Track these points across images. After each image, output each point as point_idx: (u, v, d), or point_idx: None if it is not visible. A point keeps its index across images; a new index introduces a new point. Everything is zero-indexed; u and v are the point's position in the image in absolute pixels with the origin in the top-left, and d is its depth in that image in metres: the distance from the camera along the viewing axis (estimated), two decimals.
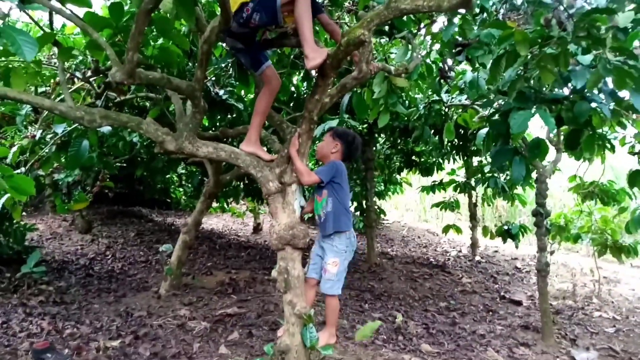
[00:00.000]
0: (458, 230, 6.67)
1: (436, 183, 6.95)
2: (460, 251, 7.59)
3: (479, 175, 6.09)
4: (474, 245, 7.07)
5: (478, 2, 2.53)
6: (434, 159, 6.80)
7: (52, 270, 4.59)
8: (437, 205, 6.99)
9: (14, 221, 4.43)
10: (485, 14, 2.69)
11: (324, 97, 2.30)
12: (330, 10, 3.27)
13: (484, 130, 3.18)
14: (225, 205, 8.56)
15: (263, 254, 6.22)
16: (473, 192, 6.77)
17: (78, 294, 3.93)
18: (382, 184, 8.48)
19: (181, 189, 9.31)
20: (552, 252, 4.07)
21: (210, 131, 4.09)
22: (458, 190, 6.60)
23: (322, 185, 2.52)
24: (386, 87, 2.98)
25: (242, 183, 6.51)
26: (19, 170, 3.35)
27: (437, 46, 3.34)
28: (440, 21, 2.98)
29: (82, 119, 2.20)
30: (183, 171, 7.72)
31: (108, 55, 2.13)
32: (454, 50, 2.79)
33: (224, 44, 3.27)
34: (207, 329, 3.23)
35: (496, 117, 2.90)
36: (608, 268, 6.49)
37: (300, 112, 2.70)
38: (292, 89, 4.18)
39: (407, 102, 4.43)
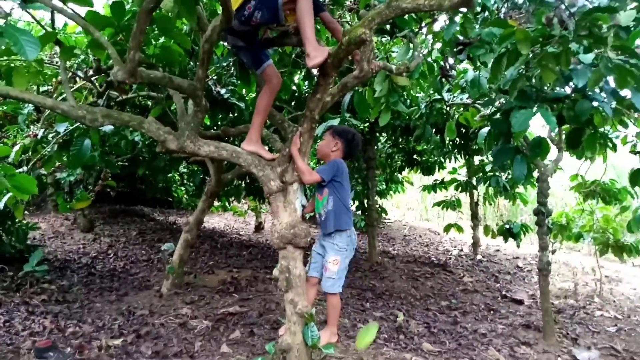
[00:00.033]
0: (459, 229, 6.67)
1: (437, 182, 6.94)
2: (461, 250, 7.58)
3: (481, 174, 6.08)
4: (475, 244, 7.07)
5: (479, 0, 2.53)
6: (436, 158, 6.80)
7: (55, 269, 4.60)
8: (438, 204, 6.99)
9: (17, 220, 4.44)
10: (486, 13, 2.69)
11: (325, 96, 2.30)
12: (332, 9, 3.27)
13: (486, 129, 3.18)
14: (227, 204, 8.56)
15: (265, 252, 6.23)
16: (474, 191, 6.76)
17: (80, 293, 3.94)
18: (383, 183, 8.48)
19: (183, 188, 9.32)
20: (553, 251, 4.07)
21: (212, 130, 4.09)
22: (459, 189, 6.59)
23: (323, 184, 2.52)
24: (387, 85, 2.98)
25: (243, 182, 6.52)
26: (21, 169, 3.36)
27: (438, 45, 3.34)
28: (442, 20, 2.98)
29: (84, 118, 2.20)
30: (185, 170, 7.73)
31: (110, 54, 2.14)
32: (455, 49, 2.79)
33: (225, 43, 3.28)
34: (209, 327, 3.24)
35: (497, 116, 2.90)
36: (610, 267, 6.48)
37: (302, 111, 2.71)
38: (294, 87, 4.18)
39: (408, 101, 4.43)
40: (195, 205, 5.33)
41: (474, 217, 6.93)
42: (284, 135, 2.59)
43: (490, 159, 5.10)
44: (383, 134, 6.38)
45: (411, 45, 2.87)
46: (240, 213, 8.88)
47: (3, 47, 2.10)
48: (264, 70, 2.47)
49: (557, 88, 2.71)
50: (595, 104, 2.47)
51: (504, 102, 2.86)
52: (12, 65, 2.54)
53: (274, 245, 2.34)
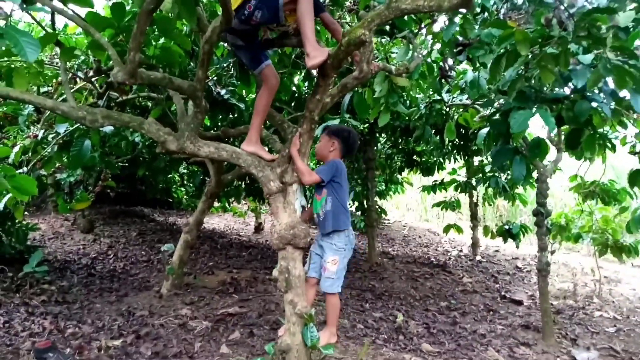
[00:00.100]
0: (459, 229, 6.68)
1: (437, 183, 6.95)
2: (461, 251, 7.59)
3: (480, 174, 6.09)
4: (474, 244, 7.07)
5: (479, 1, 2.53)
6: (435, 159, 6.80)
7: (54, 269, 4.60)
8: (438, 204, 6.99)
9: (16, 221, 4.44)
10: (486, 14, 2.69)
11: (324, 97, 2.30)
12: (332, 9, 3.27)
13: (485, 130, 3.18)
14: (227, 205, 8.58)
15: (264, 253, 6.23)
16: (474, 191, 6.77)
17: (80, 294, 3.94)
18: (383, 183, 8.48)
19: (183, 189, 9.32)
20: (552, 252, 4.07)
21: (212, 131, 4.10)
22: (459, 190, 6.60)
23: (322, 185, 2.53)
24: (387, 86, 2.98)
25: (243, 183, 6.52)
26: (21, 170, 3.37)
27: (438, 46, 3.34)
28: (441, 21, 2.98)
29: (84, 119, 2.21)
30: (185, 171, 7.74)
31: (110, 55, 2.14)
32: (454, 50, 2.79)
33: (225, 44, 3.28)
34: (209, 328, 3.24)
35: (497, 116, 2.91)
36: (609, 268, 6.49)
37: (302, 112, 2.71)
38: (294, 88, 4.18)
39: (408, 101, 4.44)
40: (195, 206, 5.33)
41: (474, 217, 6.94)
42: (283, 136, 2.59)
43: (490, 159, 5.10)
44: (382, 135, 6.39)
45: (411, 46, 2.87)
46: (240, 214, 8.88)
47: (3, 49, 2.10)
48: (261, 70, 2.47)
49: (556, 89, 2.71)
50: (594, 104, 2.48)
51: (503, 102, 2.87)
52: (13, 66, 2.55)
53: (274, 246, 2.34)
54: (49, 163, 3.57)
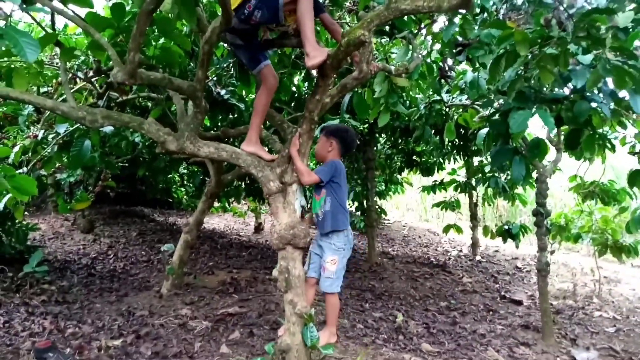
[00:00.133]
0: (459, 230, 6.68)
1: (437, 183, 6.96)
2: (460, 251, 7.59)
3: (480, 175, 6.09)
4: (474, 244, 7.07)
5: (478, 2, 2.54)
6: (435, 159, 6.81)
7: (54, 269, 4.61)
8: (437, 205, 6.99)
9: (16, 221, 4.44)
10: (485, 14, 2.69)
11: (324, 97, 2.31)
12: (331, 10, 3.28)
13: (485, 130, 3.19)
14: (227, 205, 8.58)
15: (264, 253, 6.23)
16: (474, 191, 6.78)
17: (80, 294, 3.95)
18: (382, 183, 8.48)
19: (183, 189, 9.32)
20: (552, 252, 4.07)
21: (212, 131, 4.10)
22: (459, 190, 6.61)
23: (321, 185, 2.53)
24: (387, 86, 2.98)
25: (243, 183, 6.52)
26: (21, 170, 3.37)
27: (437, 46, 3.34)
28: (441, 21, 2.99)
29: (84, 119, 2.21)
30: (185, 171, 7.74)
31: (110, 55, 2.14)
32: (454, 50, 2.79)
33: (225, 44, 3.28)
34: (209, 328, 3.24)
35: (496, 117, 2.91)
36: (608, 268, 6.49)
37: (301, 112, 2.71)
38: (293, 89, 4.18)
39: (407, 101, 4.44)
40: (195, 206, 5.34)
41: (473, 217, 6.94)
42: (283, 137, 2.60)
43: (489, 159, 5.10)
44: (382, 135, 6.39)
45: (410, 47, 2.88)
46: (240, 214, 8.88)
47: (3, 49, 2.11)
48: (260, 70, 2.48)
49: (556, 89, 2.71)
50: (593, 105, 2.48)
51: (503, 103, 2.87)
52: (13, 66, 2.55)
53: (274, 246, 2.34)
54: (49, 163, 3.58)
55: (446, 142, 5.54)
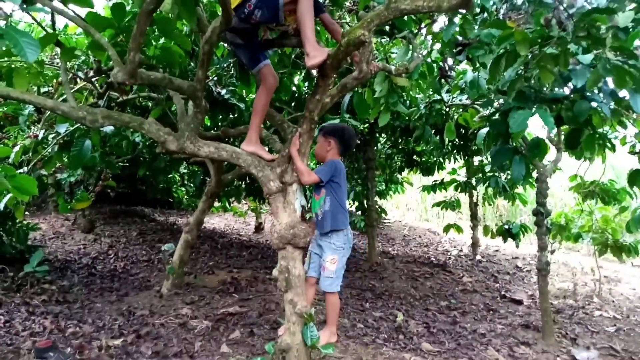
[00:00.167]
0: (459, 229, 6.68)
1: (437, 182, 6.95)
2: (461, 250, 7.59)
3: (480, 174, 6.09)
4: (474, 244, 7.07)
5: (478, 1, 2.54)
6: (435, 159, 6.80)
7: (55, 269, 4.61)
8: (438, 204, 6.99)
9: (17, 221, 4.45)
10: (485, 14, 2.69)
11: (324, 97, 2.31)
12: (331, 9, 3.28)
13: (485, 130, 3.19)
14: (227, 205, 8.58)
15: (264, 253, 6.23)
16: (474, 191, 6.77)
17: (80, 293, 3.95)
18: (383, 183, 8.48)
19: (183, 189, 9.33)
20: (552, 252, 4.07)
21: (212, 131, 4.10)
22: (459, 190, 6.61)
23: (321, 185, 2.53)
24: (387, 86, 2.98)
25: (243, 182, 6.53)
26: (21, 170, 3.37)
27: (437, 46, 3.34)
28: (441, 21, 2.99)
29: (85, 119, 2.21)
30: (185, 171, 7.74)
31: (110, 55, 2.14)
32: (454, 50, 2.80)
33: (226, 44, 3.29)
34: (209, 327, 3.24)
35: (496, 116, 2.91)
36: (609, 267, 6.49)
37: (302, 112, 2.72)
38: (294, 88, 4.19)
39: (407, 101, 4.44)
40: (196, 206, 5.34)
41: (474, 217, 6.94)
42: (283, 136, 2.60)
43: (489, 159, 5.10)
44: (382, 135, 6.39)
45: (410, 46, 2.88)
46: (240, 213, 8.89)
47: (4, 49, 2.11)
48: (260, 69, 2.48)
49: (556, 89, 2.72)
50: (593, 104, 2.48)
51: (503, 102, 2.87)
52: (13, 66, 2.55)
53: (274, 246, 2.35)
54: (49, 163, 3.58)
55: (446, 142, 5.54)
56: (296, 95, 4.33)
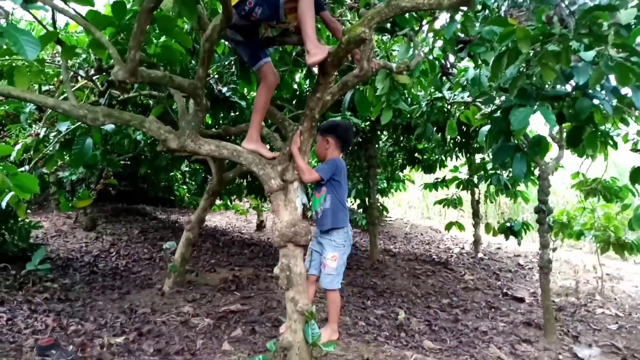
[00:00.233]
0: (461, 227, 6.67)
1: (439, 180, 6.94)
2: (462, 248, 7.59)
3: (482, 172, 6.08)
4: (476, 242, 7.07)
5: None
6: (437, 156, 6.80)
7: (57, 267, 4.62)
8: (439, 202, 6.99)
9: (19, 219, 4.46)
10: (487, 11, 2.69)
11: (325, 95, 2.30)
12: (332, 7, 3.27)
13: (486, 128, 3.18)
14: (229, 203, 8.59)
15: (266, 251, 6.24)
16: (476, 189, 6.77)
17: (82, 291, 3.96)
18: (384, 181, 8.49)
19: (185, 187, 9.34)
20: (554, 249, 4.08)
21: (213, 129, 4.10)
22: (461, 188, 6.60)
23: (321, 183, 2.53)
24: (388, 84, 2.98)
25: (245, 180, 6.53)
26: (23, 169, 3.38)
27: (439, 43, 3.33)
28: (443, 18, 2.98)
29: (85, 117, 2.21)
30: (186, 169, 7.75)
31: (111, 53, 2.14)
32: (456, 47, 2.79)
33: (227, 42, 3.28)
34: (211, 325, 3.25)
35: (498, 114, 2.90)
36: (611, 265, 6.48)
37: (303, 110, 2.71)
38: (295, 86, 4.18)
39: (409, 99, 4.43)
40: (197, 204, 5.35)
41: (475, 215, 6.93)
42: (284, 134, 2.60)
43: (491, 157, 5.09)
44: (384, 133, 6.39)
45: (412, 44, 2.87)
46: (242, 211, 8.89)
47: (4, 47, 2.11)
48: (260, 67, 2.48)
49: (558, 86, 2.71)
50: (595, 102, 2.48)
51: (505, 100, 2.87)
52: (14, 64, 2.55)
53: (275, 244, 2.35)
54: (50, 161, 3.58)
55: (448, 140, 5.54)
56: (297, 93, 4.32)
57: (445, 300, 4.52)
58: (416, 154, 6.94)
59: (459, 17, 2.66)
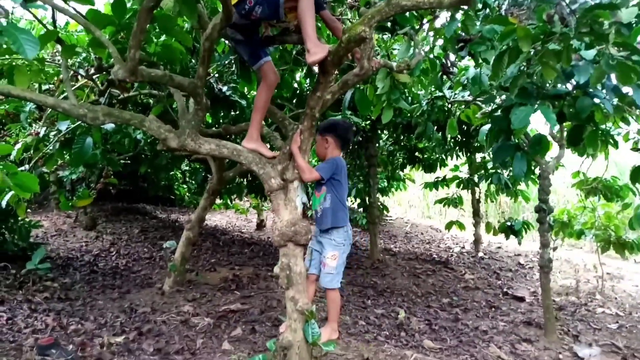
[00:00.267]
0: (461, 226, 6.67)
1: (439, 179, 6.94)
2: (463, 247, 7.58)
3: (482, 171, 6.08)
4: (477, 241, 7.06)
5: None
6: (437, 155, 6.80)
7: (57, 266, 4.62)
8: (440, 201, 6.99)
9: (19, 218, 4.46)
10: (487, 10, 2.68)
11: (325, 94, 2.30)
12: (333, 6, 3.26)
13: (487, 127, 3.18)
14: (229, 202, 8.58)
15: (266, 250, 6.24)
16: (476, 188, 6.77)
17: (82, 291, 3.96)
18: (385, 180, 8.48)
19: (185, 186, 9.34)
20: (555, 249, 4.06)
21: (213, 128, 4.10)
22: (461, 187, 6.60)
23: (321, 182, 2.53)
24: (389, 83, 2.97)
25: (245, 180, 6.53)
26: (23, 168, 3.37)
27: (439, 42, 3.33)
28: (443, 17, 2.97)
29: (85, 117, 2.21)
30: (187, 168, 7.75)
31: (111, 52, 2.14)
32: (456, 46, 2.78)
33: (227, 41, 3.28)
34: (211, 325, 3.25)
35: (498, 113, 2.90)
36: (611, 264, 6.48)
37: (303, 109, 2.71)
38: (295, 85, 4.18)
39: (410, 98, 4.43)
40: (197, 203, 5.35)
41: (476, 214, 6.93)
42: (284, 133, 2.59)
43: (492, 156, 5.09)
44: (384, 132, 6.38)
45: (412, 43, 2.86)
46: (242, 211, 8.89)
47: (4, 46, 2.11)
48: (260, 66, 2.48)
49: (558, 85, 2.70)
50: (596, 100, 2.47)
51: (505, 99, 2.86)
52: (14, 63, 2.55)
53: (275, 243, 2.34)
54: (50, 160, 3.58)
55: (448, 139, 5.53)
56: (297, 92, 4.32)
57: (446, 299, 4.52)
58: (417, 153, 6.93)
59: (459, 15, 2.65)
